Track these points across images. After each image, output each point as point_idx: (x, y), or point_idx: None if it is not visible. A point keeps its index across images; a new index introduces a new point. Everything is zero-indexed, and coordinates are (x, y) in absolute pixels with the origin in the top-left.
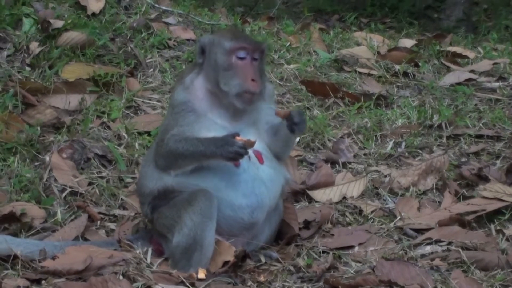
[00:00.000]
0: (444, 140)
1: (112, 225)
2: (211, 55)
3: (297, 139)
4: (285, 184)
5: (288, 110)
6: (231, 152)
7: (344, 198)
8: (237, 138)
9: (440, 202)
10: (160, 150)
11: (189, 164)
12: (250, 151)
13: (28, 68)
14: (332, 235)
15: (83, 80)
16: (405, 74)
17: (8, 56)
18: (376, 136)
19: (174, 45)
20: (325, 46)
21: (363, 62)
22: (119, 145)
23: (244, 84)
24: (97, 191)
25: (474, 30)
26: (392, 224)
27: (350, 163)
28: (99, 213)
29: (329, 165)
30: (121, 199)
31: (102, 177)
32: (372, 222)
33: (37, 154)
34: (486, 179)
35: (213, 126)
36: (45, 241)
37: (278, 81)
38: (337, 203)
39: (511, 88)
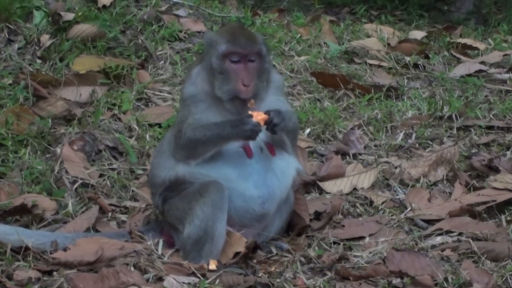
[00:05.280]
0: (455, 131)
1: (123, 217)
2: (208, 56)
3: (307, 130)
4: (297, 176)
5: (266, 115)
6: (246, 130)
7: (355, 189)
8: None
9: (450, 193)
10: (178, 142)
11: (209, 150)
12: (262, 143)
13: (39, 61)
14: (343, 226)
15: (94, 72)
16: (415, 65)
17: (19, 48)
18: (386, 127)
19: (184, 37)
20: (335, 38)
21: (373, 53)
22: (130, 137)
23: (235, 90)
24: (108, 183)
25: (484, 22)
26: (402, 215)
27: (360, 154)
28: (110, 204)
29: (339, 156)
30: (132, 190)
31: (113, 169)
32: (383, 213)
33: (48, 146)
34: (496, 170)
35: (224, 113)
36: (56, 232)
37: (288, 73)
38: (347, 194)
39: None
